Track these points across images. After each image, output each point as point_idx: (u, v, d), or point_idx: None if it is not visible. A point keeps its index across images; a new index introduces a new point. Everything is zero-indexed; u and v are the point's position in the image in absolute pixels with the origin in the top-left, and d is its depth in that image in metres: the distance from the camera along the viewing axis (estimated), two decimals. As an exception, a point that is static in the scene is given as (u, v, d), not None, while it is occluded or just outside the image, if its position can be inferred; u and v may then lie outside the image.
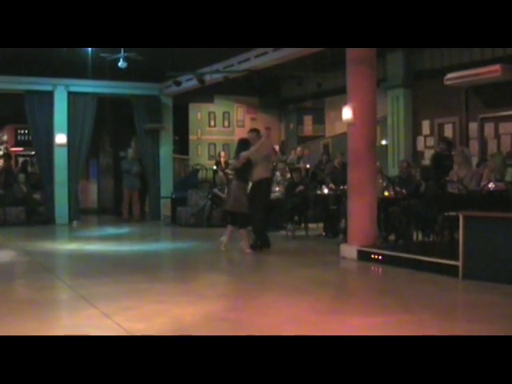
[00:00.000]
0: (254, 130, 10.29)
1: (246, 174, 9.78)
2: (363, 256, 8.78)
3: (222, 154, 16.56)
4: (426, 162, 13.03)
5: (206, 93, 16.40)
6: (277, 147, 15.40)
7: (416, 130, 13.58)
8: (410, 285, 7.24)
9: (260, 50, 12.34)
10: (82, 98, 15.33)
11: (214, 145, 17.59)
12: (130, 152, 16.08)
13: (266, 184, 9.98)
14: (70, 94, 15.17)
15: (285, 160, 15.10)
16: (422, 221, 8.98)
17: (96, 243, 11.58)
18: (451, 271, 7.31)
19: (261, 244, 9.94)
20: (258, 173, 9.76)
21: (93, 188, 19.80)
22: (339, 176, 11.57)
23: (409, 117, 13.58)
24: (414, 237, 9.27)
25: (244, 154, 9.72)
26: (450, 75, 12.03)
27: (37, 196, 15.40)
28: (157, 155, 16.43)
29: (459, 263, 7.23)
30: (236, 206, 9.67)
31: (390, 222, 9.93)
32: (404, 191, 9.89)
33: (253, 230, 10.02)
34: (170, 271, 9.11)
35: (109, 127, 18.34)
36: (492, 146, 12.07)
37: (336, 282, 7.70)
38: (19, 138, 19.04)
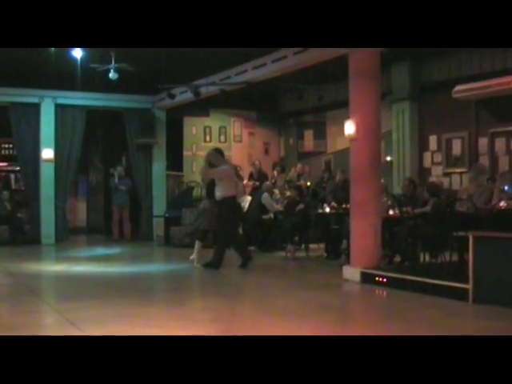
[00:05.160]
0: (218, 152, 10.66)
1: (211, 193, 10.38)
2: (367, 278, 8.75)
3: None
4: (433, 178, 13.10)
5: (201, 106, 16.26)
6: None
7: (422, 146, 13.61)
8: (416, 309, 7.13)
9: (258, 62, 12.24)
10: (71, 111, 15.22)
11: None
12: (119, 169, 15.94)
13: (231, 202, 10.19)
14: (57, 106, 15.03)
15: (284, 177, 15.01)
16: (429, 241, 8.85)
17: (85, 264, 11.44)
18: (460, 295, 7.22)
19: (244, 261, 10.21)
20: (221, 191, 10.10)
21: (82, 206, 19.80)
22: (341, 194, 11.48)
23: (415, 132, 13.59)
24: (421, 258, 9.15)
25: (208, 171, 10.46)
26: (458, 87, 11.97)
27: (21, 214, 15.29)
28: (149, 172, 16.29)
29: (469, 286, 7.13)
30: (203, 224, 10.74)
31: (395, 242, 9.82)
32: (410, 210, 9.73)
33: (233, 248, 10.63)
34: (162, 294, 8.98)
35: (99, 142, 18.36)
36: (503, 163, 12.03)
37: (338, 306, 7.63)
38: (3, 152, 19.16)
